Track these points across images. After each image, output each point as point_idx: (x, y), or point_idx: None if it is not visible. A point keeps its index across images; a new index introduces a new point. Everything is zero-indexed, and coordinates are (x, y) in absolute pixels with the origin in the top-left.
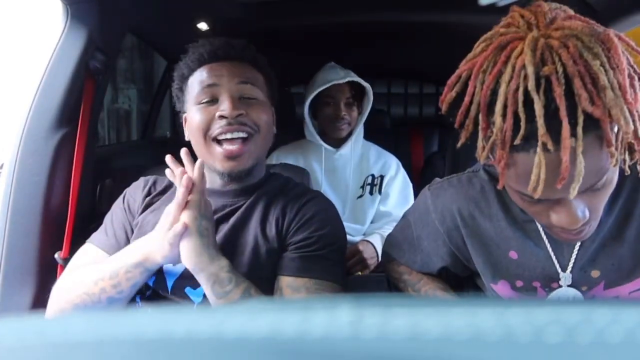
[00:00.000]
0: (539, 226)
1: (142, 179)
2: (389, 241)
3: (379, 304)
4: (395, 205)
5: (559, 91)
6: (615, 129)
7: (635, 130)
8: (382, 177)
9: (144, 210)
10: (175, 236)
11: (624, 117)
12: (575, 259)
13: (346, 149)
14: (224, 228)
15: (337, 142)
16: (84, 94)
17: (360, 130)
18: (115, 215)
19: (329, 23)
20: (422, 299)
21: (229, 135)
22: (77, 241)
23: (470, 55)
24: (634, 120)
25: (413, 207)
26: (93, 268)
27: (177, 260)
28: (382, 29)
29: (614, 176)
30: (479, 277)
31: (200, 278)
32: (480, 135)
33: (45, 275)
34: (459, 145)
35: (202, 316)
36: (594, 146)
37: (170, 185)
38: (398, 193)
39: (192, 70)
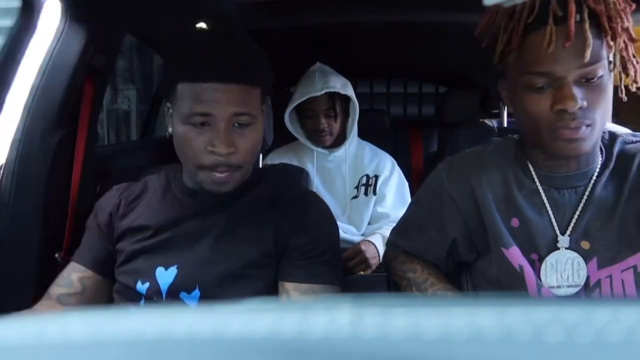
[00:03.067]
0: (543, 196)
1: (114, 188)
2: (395, 231)
3: (379, 304)
4: (392, 206)
5: None
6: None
7: (628, 28)
8: (376, 177)
9: (122, 220)
10: None
11: (619, 15)
12: (574, 225)
13: (340, 151)
14: (210, 236)
15: (331, 145)
16: (83, 95)
17: (354, 132)
18: (90, 231)
19: (329, 22)
20: (422, 298)
21: (217, 169)
22: (77, 241)
23: None
24: (627, 19)
25: (424, 186)
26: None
27: None
28: (381, 28)
29: (608, 82)
30: (477, 264)
31: None
32: (502, 24)
33: (45, 276)
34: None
35: (202, 316)
36: (594, 34)
37: (144, 191)
38: (394, 193)
39: (182, 79)
